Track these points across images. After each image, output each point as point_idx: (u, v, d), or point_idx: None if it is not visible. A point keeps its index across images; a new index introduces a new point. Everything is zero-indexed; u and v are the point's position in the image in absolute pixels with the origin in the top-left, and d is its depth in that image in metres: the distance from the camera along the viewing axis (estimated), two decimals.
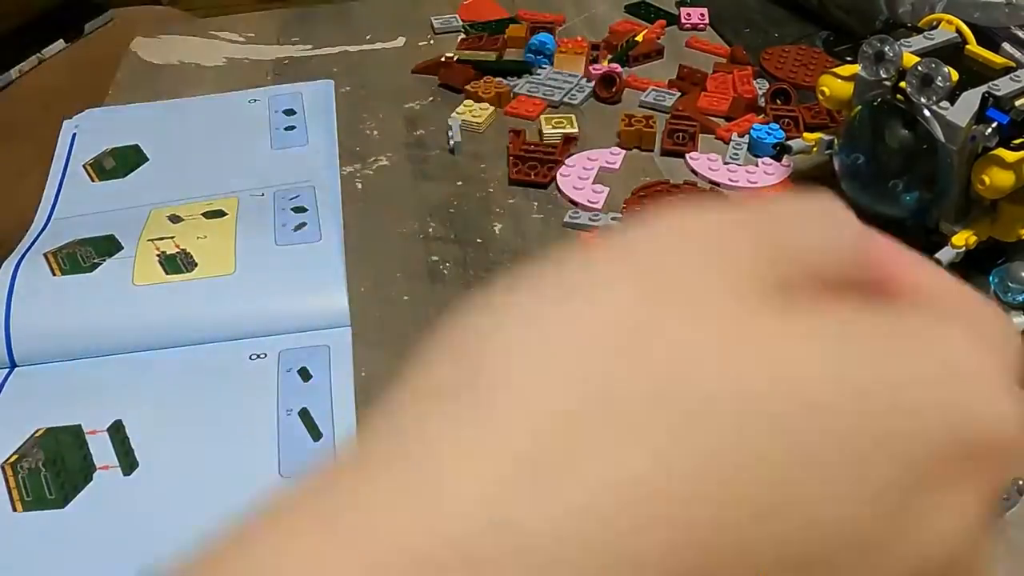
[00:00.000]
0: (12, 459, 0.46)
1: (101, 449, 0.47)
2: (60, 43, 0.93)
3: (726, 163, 0.67)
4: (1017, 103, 0.53)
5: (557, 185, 0.66)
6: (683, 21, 0.85)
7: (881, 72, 0.57)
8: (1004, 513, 0.45)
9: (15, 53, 0.91)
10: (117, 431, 0.48)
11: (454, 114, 0.72)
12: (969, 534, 0.19)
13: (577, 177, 0.66)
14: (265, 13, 0.90)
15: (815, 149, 0.62)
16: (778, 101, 0.73)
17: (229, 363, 0.52)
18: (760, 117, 0.72)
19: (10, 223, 0.62)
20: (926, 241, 0.57)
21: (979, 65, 0.58)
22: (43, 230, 0.60)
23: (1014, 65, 0.57)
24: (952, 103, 0.54)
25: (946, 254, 0.54)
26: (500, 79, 0.76)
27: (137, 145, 0.67)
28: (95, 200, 0.63)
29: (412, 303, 0.57)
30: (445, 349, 0.17)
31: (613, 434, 0.15)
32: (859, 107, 0.58)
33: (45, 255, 0.56)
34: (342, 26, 0.87)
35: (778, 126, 0.69)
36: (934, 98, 0.54)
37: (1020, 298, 0.48)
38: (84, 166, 0.66)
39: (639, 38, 0.82)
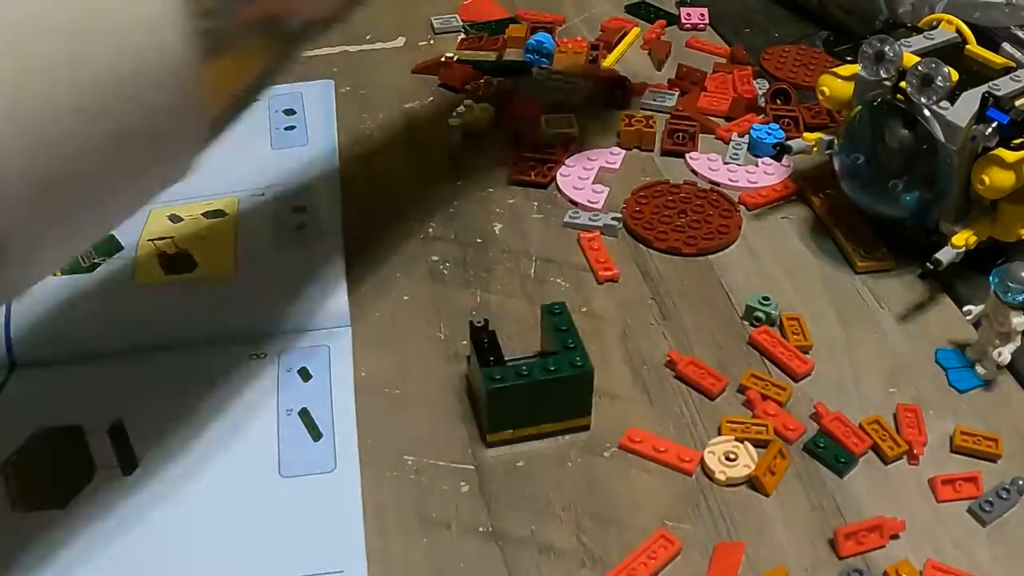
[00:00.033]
0: (12, 459, 0.46)
1: (101, 449, 0.47)
2: None
3: (726, 163, 0.67)
4: (1017, 103, 0.53)
5: (557, 185, 0.66)
6: (683, 21, 0.85)
7: (881, 72, 0.57)
8: (1004, 513, 0.45)
9: None
10: (117, 431, 0.48)
11: (454, 114, 0.72)
12: None
13: (577, 177, 0.66)
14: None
15: (815, 149, 0.63)
16: (778, 101, 0.73)
17: (229, 363, 0.52)
18: (760, 117, 0.72)
19: None
20: (926, 241, 0.57)
21: (979, 65, 0.58)
22: None
23: (1014, 65, 0.57)
24: (952, 103, 0.54)
25: (946, 254, 0.54)
26: (500, 79, 0.76)
27: None
28: None
29: (412, 303, 0.57)
30: None
31: None
32: (859, 107, 0.58)
33: None
34: (342, 26, 0.86)
35: (778, 126, 0.69)
36: (934, 98, 0.54)
37: (1020, 298, 0.48)
38: None
39: (631, 36, 0.82)
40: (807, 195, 0.64)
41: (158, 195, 0.36)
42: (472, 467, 0.47)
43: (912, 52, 0.58)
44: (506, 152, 0.68)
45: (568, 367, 0.46)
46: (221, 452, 0.47)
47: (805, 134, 0.65)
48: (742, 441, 0.48)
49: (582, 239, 0.61)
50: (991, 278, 0.49)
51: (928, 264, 0.54)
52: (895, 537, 0.44)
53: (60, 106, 0.30)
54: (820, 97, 0.61)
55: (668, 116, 0.71)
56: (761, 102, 0.73)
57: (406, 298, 0.57)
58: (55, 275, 0.55)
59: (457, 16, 0.85)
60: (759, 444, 0.48)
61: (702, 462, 0.47)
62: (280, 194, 0.62)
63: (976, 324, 0.53)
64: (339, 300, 0.54)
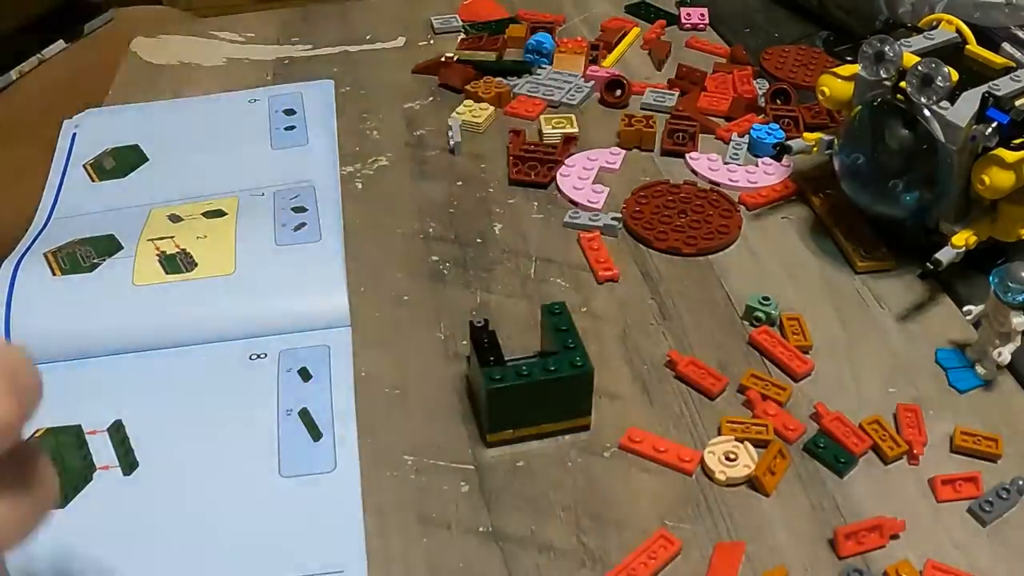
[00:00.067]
0: None
1: (101, 449, 0.47)
2: (60, 43, 0.93)
3: (726, 163, 0.67)
4: (1017, 103, 0.53)
5: (557, 185, 0.66)
6: (683, 21, 0.85)
7: (881, 72, 0.57)
8: (1004, 513, 0.45)
9: (15, 53, 0.91)
10: (117, 431, 0.48)
11: (454, 114, 0.72)
12: None
13: (577, 177, 0.66)
14: (265, 13, 0.90)
15: (815, 149, 0.63)
16: (778, 101, 0.73)
17: (229, 363, 0.52)
18: (760, 117, 0.72)
19: (10, 223, 0.62)
20: (926, 241, 0.57)
21: (979, 65, 0.58)
22: (43, 230, 0.60)
23: (1014, 65, 0.57)
24: (952, 103, 0.54)
25: (946, 254, 0.54)
26: (500, 79, 0.76)
27: (137, 145, 0.67)
28: (95, 200, 0.63)
29: (412, 303, 0.57)
30: None
31: None
32: (859, 107, 0.58)
33: (45, 255, 0.56)
34: (342, 26, 0.87)
35: (778, 126, 0.70)
36: (934, 98, 0.54)
37: (1020, 298, 0.48)
38: (84, 166, 0.66)
39: (631, 36, 0.82)
40: (807, 195, 0.64)
41: None
42: (472, 467, 0.47)
43: (912, 52, 0.58)
44: (506, 152, 0.68)
45: (568, 367, 0.46)
46: (221, 452, 0.47)
47: (805, 134, 0.65)
48: (742, 441, 0.48)
49: (582, 239, 0.61)
50: (991, 278, 0.49)
51: (928, 264, 0.54)
52: (895, 537, 0.44)
53: None
54: (820, 97, 0.61)
55: (668, 116, 0.71)
56: (761, 102, 0.73)
57: (406, 298, 0.57)
58: (55, 275, 0.54)
59: (457, 16, 0.86)
60: (759, 444, 0.48)
61: (702, 462, 0.47)
62: (280, 194, 0.62)
63: (976, 324, 0.53)
64: (339, 300, 0.54)
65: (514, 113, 0.73)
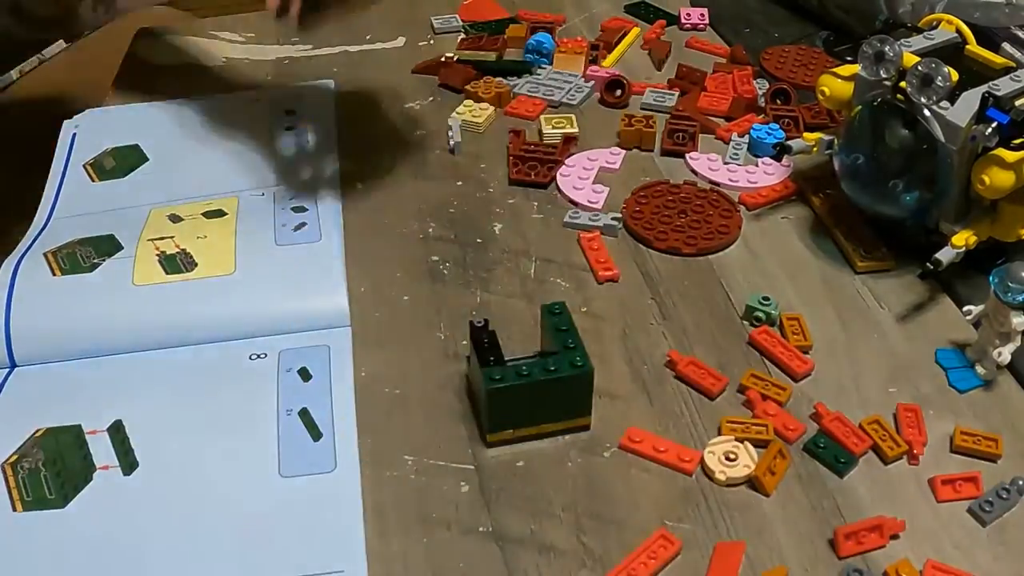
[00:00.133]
0: (12, 459, 0.46)
1: (101, 449, 0.47)
2: (60, 43, 0.93)
3: (726, 163, 0.67)
4: (1017, 103, 0.53)
5: (557, 185, 0.66)
6: (683, 21, 0.85)
7: (881, 72, 0.57)
8: (1004, 513, 0.45)
9: (15, 53, 0.91)
10: (117, 431, 0.48)
11: (454, 114, 0.72)
12: None
13: (577, 177, 0.66)
14: (265, 13, 0.90)
15: (815, 149, 0.63)
16: (778, 101, 0.73)
17: (229, 363, 0.52)
18: (760, 117, 0.72)
19: (10, 223, 0.62)
20: (926, 241, 0.57)
21: (979, 65, 0.58)
22: (43, 229, 0.60)
23: (1014, 65, 0.57)
24: (952, 103, 0.54)
25: (946, 254, 0.54)
26: (500, 79, 0.76)
27: (137, 145, 0.67)
28: (95, 200, 0.63)
29: (412, 303, 0.57)
30: None
31: None
32: (859, 107, 0.58)
33: (45, 255, 0.56)
34: (342, 26, 0.86)
35: (778, 126, 0.70)
36: (934, 98, 0.54)
37: (1020, 298, 0.48)
38: (84, 166, 0.66)
39: (631, 36, 0.82)
40: (807, 195, 0.64)
41: None
42: (472, 467, 0.47)
43: (912, 52, 0.58)
44: (506, 152, 0.68)
45: (568, 367, 0.46)
46: (221, 452, 0.47)
47: (805, 134, 0.65)
48: (742, 441, 0.48)
49: (582, 239, 0.61)
50: (991, 278, 0.49)
51: (928, 264, 0.54)
52: (895, 537, 0.44)
53: None
54: (820, 97, 0.61)
55: (668, 116, 0.71)
56: (761, 102, 0.73)
57: (406, 298, 0.57)
58: (55, 275, 0.55)
59: (457, 16, 0.86)
60: (759, 444, 0.48)
61: (702, 462, 0.47)
62: (280, 194, 0.62)
63: (976, 324, 0.53)
64: (339, 300, 0.54)
65: (514, 113, 0.73)
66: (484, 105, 0.72)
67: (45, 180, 0.66)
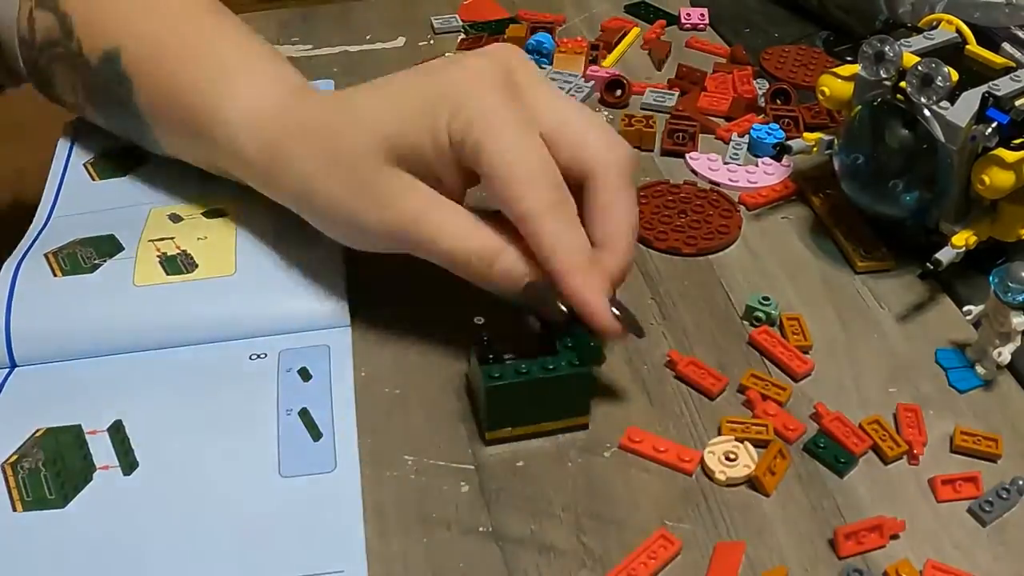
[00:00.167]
0: (12, 459, 0.46)
1: (101, 449, 0.47)
2: None
3: (726, 163, 0.67)
4: (1017, 103, 0.53)
5: None
6: (683, 21, 0.85)
7: (881, 72, 0.57)
8: (1004, 513, 0.45)
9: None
10: (117, 431, 0.48)
11: None
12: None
13: None
14: (265, 13, 0.90)
15: (815, 149, 0.63)
16: (778, 101, 0.73)
17: (229, 363, 0.52)
18: (760, 117, 0.72)
19: (10, 223, 0.62)
20: (926, 241, 0.57)
21: (979, 65, 0.58)
22: (43, 229, 0.60)
23: (1014, 65, 0.57)
24: (952, 103, 0.54)
25: (946, 254, 0.54)
26: None
27: (137, 146, 0.67)
28: (96, 199, 0.63)
29: (412, 303, 0.56)
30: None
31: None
32: (859, 107, 0.58)
33: (46, 255, 0.56)
34: (342, 26, 0.87)
35: (778, 126, 0.70)
36: (934, 98, 0.54)
37: (1020, 298, 0.48)
38: (84, 165, 0.66)
39: (631, 36, 0.82)
40: (807, 195, 0.64)
41: None
42: (472, 467, 0.47)
43: (912, 52, 0.58)
44: None
45: (567, 366, 0.46)
46: (221, 452, 0.47)
47: (805, 134, 0.65)
48: (742, 441, 0.48)
49: None
50: (991, 278, 0.49)
51: (928, 264, 0.54)
52: (895, 537, 0.44)
53: None
54: (820, 97, 0.61)
55: (668, 116, 0.71)
56: (761, 102, 0.73)
57: (406, 298, 0.57)
58: (56, 276, 0.55)
59: (457, 16, 0.86)
60: (759, 444, 0.48)
61: (702, 462, 0.47)
62: None
63: (976, 324, 0.53)
64: (339, 300, 0.54)
65: None
66: None
67: (45, 179, 0.66)
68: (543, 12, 0.86)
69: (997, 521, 0.45)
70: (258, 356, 0.52)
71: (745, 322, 0.55)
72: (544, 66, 0.78)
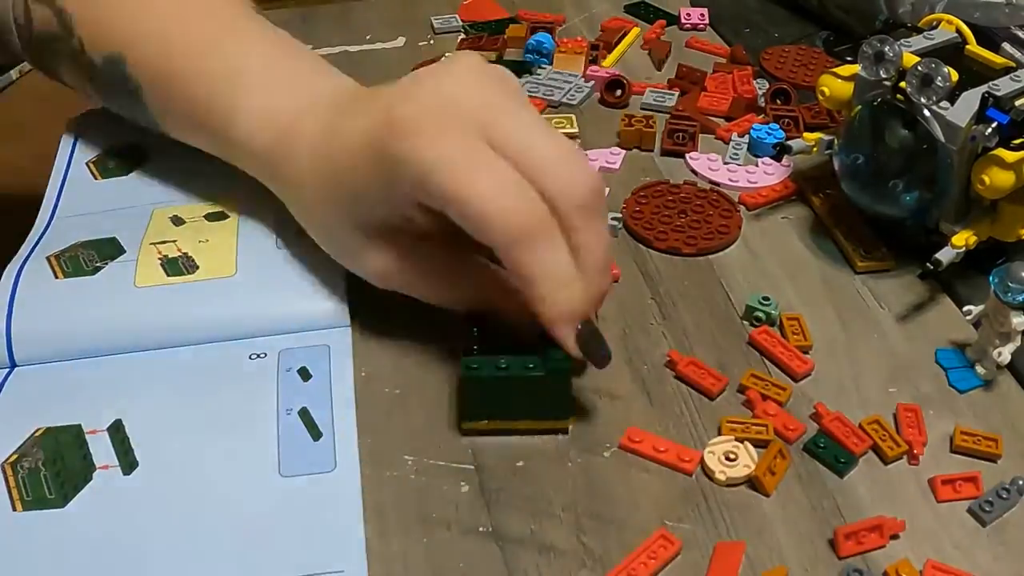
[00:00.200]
0: (12, 459, 0.46)
1: (101, 449, 0.47)
2: None
3: (726, 163, 0.67)
4: (1017, 103, 0.53)
5: None
6: (683, 21, 0.85)
7: (881, 72, 0.57)
8: (1004, 513, 0.45)
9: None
10: (117, 431, 0.48)
11: None
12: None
13: None
14: (265, 13, 0.90)
15: (815, 149, 0.63)
16: (778, 101, 0.73)
17: (229, 363, 0.52)
18: (760, 117, 0.72)
19: (11, 223, 0.62)
20: (926, 241, 0.57)
21: (979, 65, 0.58)
22: (46, 230, 0.60)
23: (1014, 65, 0.57)
24: (952, 103, 0.54)
25: (946, 254, 0.54)
26: None
27: (139, 144, 0.67)
28: (98, 199, 0.63)
29: (412, 303, 0.56)
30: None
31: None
32: (859, 107, 0.58)
33: (48, 258, 0.56)
34: (342, 26, 0.87)
35: (778, 126, 0.70)
36: (934, 98, 0.54)
37: (1020, 298, 0.48)
38: (86, 164, 0.66)
39: (631, 36, 0.82)
40: (807, 195, 0.64)
41: None
42: (472, 467, 0.47)
43: (912, 52, 0.58)
44: None
45: (544, 367, 0.46)
46: (221, 452, 0.47)
47: (805, 134, 0.65)
48: (742, 441, 0.48)
49: None
50: (991, 278, 0.49)
51: (928, 264, 0.54)
52: (895, 537, 0.44)
53: None
54: (820, 97, 0.61)
55: (668, 116, 0.71)
56: (761, 102, 0.73)
57: (406, 298, 0.57)
58: (57, 278, 0.55)
59: (457, 16, 0.86)
60: (759, 444, 0.48)
61: (702, 462, 0.47)
62: None
63: (976, 324, 0.53)
64: (339, 300, 0.54)
65: None
66: None
67: (47, 180, 0.66)
68: (543, 12, 0.86)
69: (997, 521, 0.45)
70: (258, 356, 0.52)
71: (745, 322, 0.55)
72: (544, 66, 0.78)
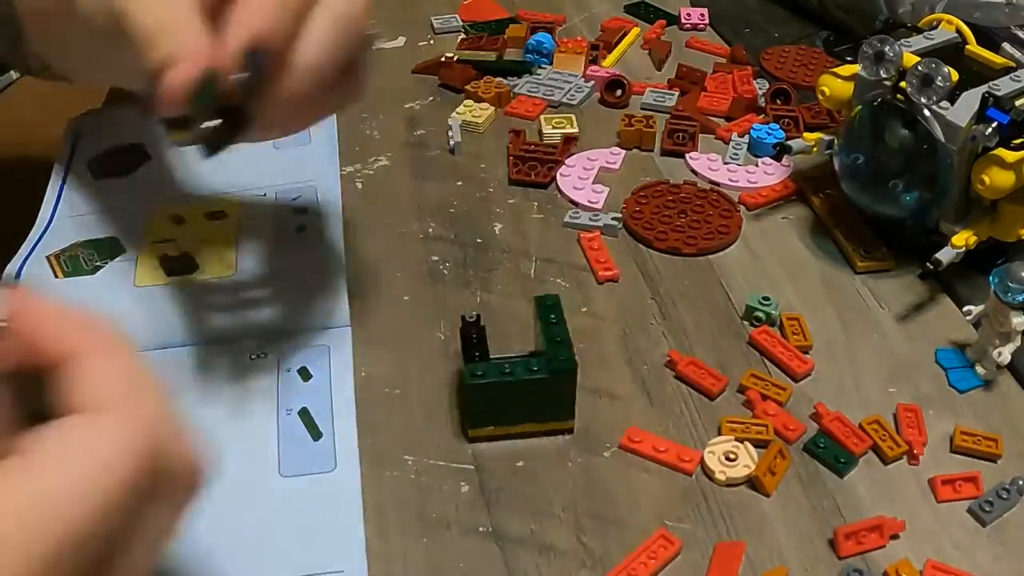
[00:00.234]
0: None
1: None
2: None
3: (726, 163, 0.67)
4: (1017, 103, 0.53)
5: (557, 185, 0.66)
6: (683, 21, 0.85)
7: (881, 72, 0.57)
8: (1004, 513, 0.45)
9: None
10: None
11: (454, 114, 0.72)
12: None
13: (577, 177, 0.66)
14: None
15: (815, 149, 0.63)
16: (778, 101, 0.73)
17: (229, 363, 0.52)
18: (760, 117, 0.72)
19: (12, 223, 0.62)
20: (926, 241, 0.58)
21: (979, 65, 0.58)
22: (46, 230, 0.60)
23: (1014, 65, 0.57)
24: (952, 103, 0.54)
25: (946, 254, 0.54)
26: (500, 79, 0.76)
27: (139, 144, 0.67)
28: (98, 199, 0.63)
29: (412, 303, 0.57)
30: None
31: None
32: (859, 107, 0.58)
33: (48, 258, 0.56)
34: None
35: (778, 126, 0.70)
36: (934, 98, 0.54)
37: (1020, 298, 0.48)
38: (86, 164, 0.66)
39: (631, 36, 0.82)
40: (807, 195, 0.64)
41: None
42: (472, 467, 0.47)
43: (912, 52, 0.58)
44: (506, 152, 0.68)
45: (549, 367, 0.46)
46: (221, 452, 0.47)
47: (805, 134, 0.65)
48: (742, 441, 0.48)
49: (582, 239, 0.61)
50: (991, 278, 0.49)
51: (928, 264, 0.54)
52: (895, 537, 0.44)
53: None
54: (820, 97, 0.61)
55: (668, 116, 0.71)
56: (761, 102, 0.73)
57: (406, 298, 0.57)
58: (57, 277, 0.55)
59: (457, 16, 0.86)
60: (759, 444, 0.48)
61: (702, 462, 0.47)
62: (281, 195, 0.62)
63: (976, 324, 0.53)
64: (339, 300, 0.54)
65: (514, 113, 0.73)
66: (484, 105, 0.72)
67: (47, 180, 0.66)
68: (543, 12, 0.86)
69: (997, 521, 0.45)
70: (258, 356, 0.52)
71: (745, 322, 0.55)
72: (544, 66, 0.78)
